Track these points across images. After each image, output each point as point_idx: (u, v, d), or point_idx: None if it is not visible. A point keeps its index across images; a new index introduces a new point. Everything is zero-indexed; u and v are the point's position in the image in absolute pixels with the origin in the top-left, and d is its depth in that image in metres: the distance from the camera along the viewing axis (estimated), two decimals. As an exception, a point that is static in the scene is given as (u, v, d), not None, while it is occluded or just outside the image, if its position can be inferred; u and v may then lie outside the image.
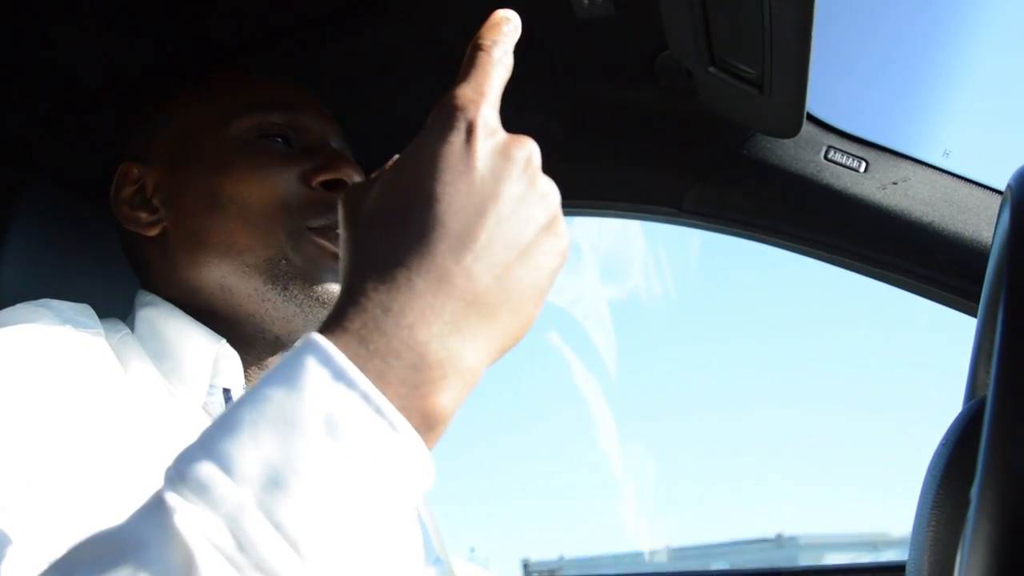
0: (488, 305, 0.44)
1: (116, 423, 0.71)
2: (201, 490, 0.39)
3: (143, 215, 0.87)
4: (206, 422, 0.80)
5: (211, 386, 0.81)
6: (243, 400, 0.41)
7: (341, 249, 0.47)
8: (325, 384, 0.41)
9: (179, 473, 0.40)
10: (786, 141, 1.04)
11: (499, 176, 0.46)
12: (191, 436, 0.77)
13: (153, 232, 0.86)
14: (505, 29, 0.52)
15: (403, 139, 1.31)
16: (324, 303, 0.83)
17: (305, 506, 0.38)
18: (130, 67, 1.04)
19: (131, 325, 0.84)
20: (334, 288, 0.84)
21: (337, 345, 0.42)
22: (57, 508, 0.61)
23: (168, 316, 0.83)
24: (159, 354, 0.81)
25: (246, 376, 0.85)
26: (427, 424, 0.42)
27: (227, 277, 0.83)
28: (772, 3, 0.74)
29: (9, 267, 1.01)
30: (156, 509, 0.39)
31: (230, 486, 0.39)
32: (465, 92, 0.48)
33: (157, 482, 0.69)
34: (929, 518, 0.49)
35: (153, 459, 0.72)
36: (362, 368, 0.41)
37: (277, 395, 0.41)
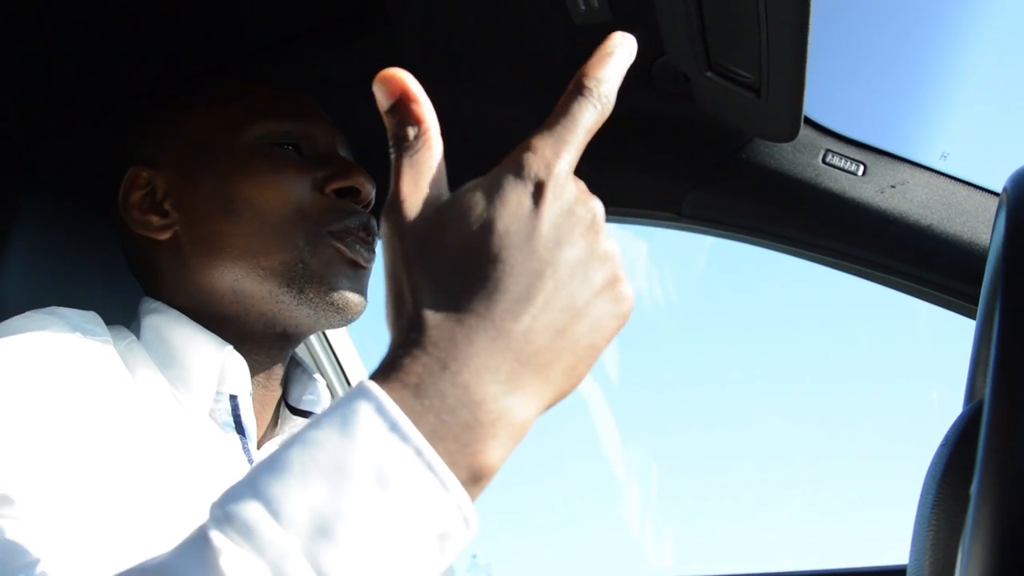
0: (542, 365, 0.44)
1: (124, 430, 0.71)
2: (247, 532, 0.39)
3: (154, 219, 0.87)
4: (213, 429, 0.80)
5: (218, 393, 0.82)
6: (294, 442, 0.41)
7: (389, 281, 0.47)
8: (379, 435, 0.41)
9: (225, 513, 0.40)
10: (784, 145, 1.04)
11: (562, 240, 0.45)
12: (197, 442, 0.78)
13: (164, 236, 0.87)
14: (613, 62, 0.49)
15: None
16: (338, 308, 0.84)
17: (350, 556, 0.39)
18: (132, 75, 1.05)
19: (136, 332, 0.84)
20: (349, 295, 0.85)
21: (392, 396, 0.41)
22: (67, 514, 0.61)
23: (174, 323, 0.83)
24: (165, 361, 0.81)
25: (253, 383, 0.86)
26: (473, 479, 0.42)
27: (240, 280, 0.84)
28: (768, 7, 0.74)
29: (11, 274, 1.01)
30: (201, 547, 0.39)
31: (277, 531, 0.39)
32: (543, 148, 0.46)
33: (164, 487, 0.70)
34: (929, 518, 0.49)
35: (160, 466, 0.72)
36: (416, 422, 0.41)
37: (330, 441, 0.40)
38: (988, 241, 0.97)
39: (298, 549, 0.38)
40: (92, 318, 0.80)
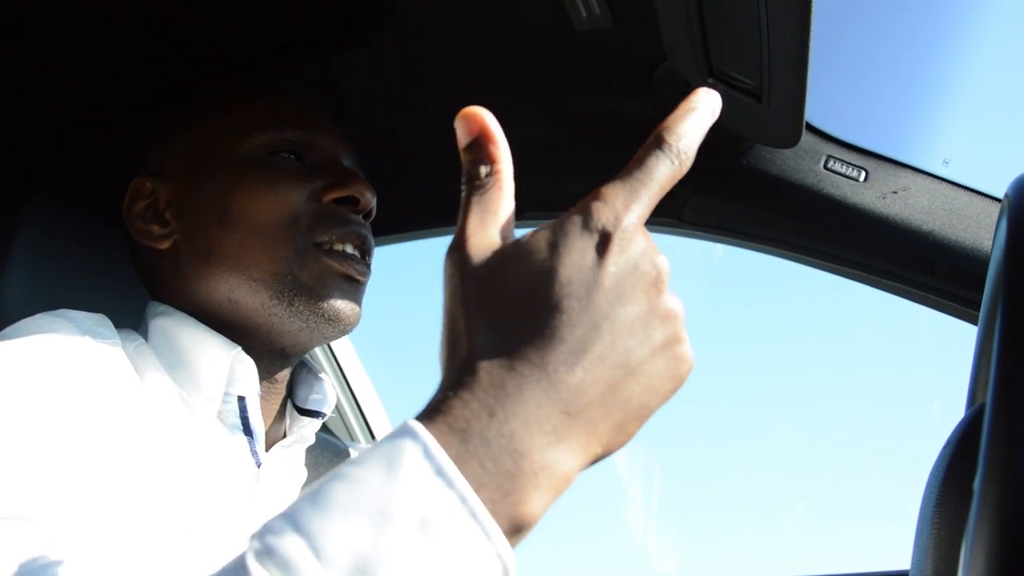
0: (591, 419, 0.43)
1: (133, 433, 0.72)
2: (287, 567, 0.39)
3: (155, 228, 0.88)
4: (220, 431, 0.81)
5: (226, 394, 0.82)
6: (337, 476, 0.41)
7: (446, 318, 0.46)
8: (424, 478, 0.40)
9: (265, 546, 0.40)
10: (786, 151, 1.04)
11: (623, 294, 0.44)
12: (206, 444, 0.78)
13: (164, 245, 0.88)
14: (694, 118, 0.48)
15: (408, 149, 1.32)
16: (329, 319, 0.84)
17: None
18: (137, 82, 1.05)
19: (144, 335, 0.85)
20: (339, 305, 0.84)
21: (438, 440, 0.41)
22: (79, 516, 0.62)
23: (182, 325, 0.84)
24: (173, 363, 0.82)
25: (259, 385, 0.86)
26: (514, 529, 0.42)
27: (234, 291, 0.84)
28: (769, 14, 0.74)
29: (14, 280, 1.02)
30: None
31: (316, 568, 0.38)
32: (614, 199, 0.46)
33: (172, 488, 0.70)
34: (932, 518, 0.49)
35: (169, 468, 0.73)
36: (460, 468, 0.41)
37: (374, 480, 0.40)
38: (990, 247, 0.97)
39: None
40: (102, 321, 0.81)
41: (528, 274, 0.44)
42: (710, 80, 0.89)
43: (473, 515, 0.40)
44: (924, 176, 1.02)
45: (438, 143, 1.20)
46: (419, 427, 0.41)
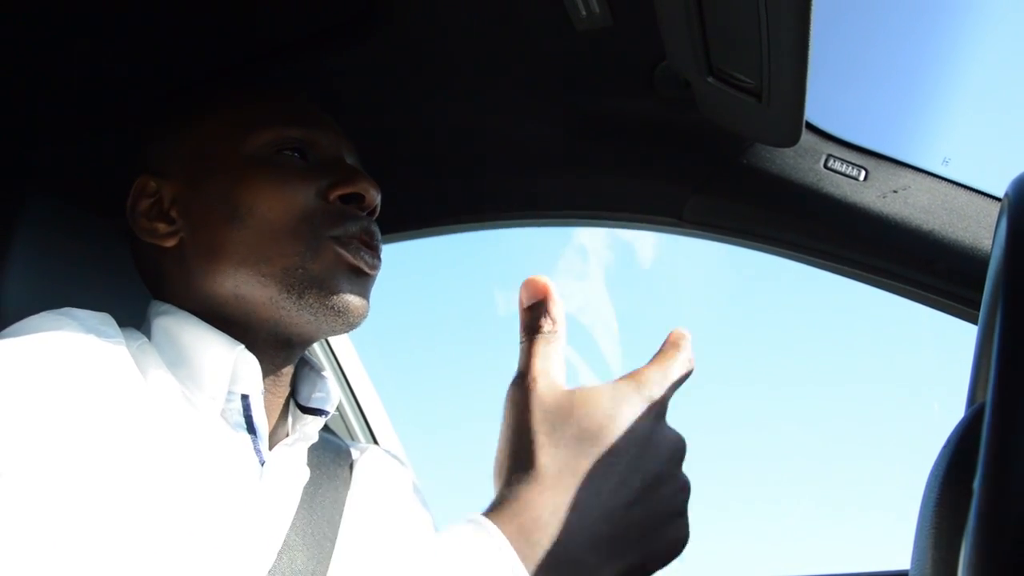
0: (627, 542, 0.53)
1: (137, 432, 0.72)
2: None
3: (161, 226, 0.88)
4: (224, 429, 0.81)
5: (229, 392, 0.82)
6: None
7: (512, 433, 0.56)
8: (495, 563, 0.50)
9: None
10: (785, 150, 1.04)
11: (660, 449, 0.56)
12: (209, 443, 0.79)
13: (170, 243, 0.88)
14: (689, 341, 0.61)
15: (407, 148, 1.32)
16: (339, 312, 0.84)
17: None
18: (136, 80, 1.05)
19: (147, 334, 0.85)
20: (349, 298, 0.85)
21: (507, 536, 0.51)
22: (81, 513, 0.62)
23: (184, 324, 0.84)
24: (176, 362, 0.82)
25: (263, 382, 0.86)
26: None
27: (241, 286, 0.84)
28: (769, 12, 0.74)
29: (14, 278, 1.02)
30: None
31: None
32: (656, 372, 0.58)
33: (176, 487, 0.72)
34: (932, 518, 0.49)
35: (172, 466, 0.73)
36: (525, 562, 0.51)
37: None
38: (990, 246, 0.97)
39: None
40: (105, 319, 0.81)
41: (594, 415, 0.54)
42: (710, 79, 0.89)
43: None
44: (924, 175, 1.02)
45: (437, 142, 1.20)
46: (491, 525, 0.52)
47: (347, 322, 0.86)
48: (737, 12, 0.77)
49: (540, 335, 0.58)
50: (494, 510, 0.52)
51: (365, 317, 0.88)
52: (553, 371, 0.57)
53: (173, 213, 0.88)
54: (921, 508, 0.53)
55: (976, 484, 0.35)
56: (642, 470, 0.54)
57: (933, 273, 0.99)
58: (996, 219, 0.80)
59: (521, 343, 0.59)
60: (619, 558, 0.52)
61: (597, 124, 1.11)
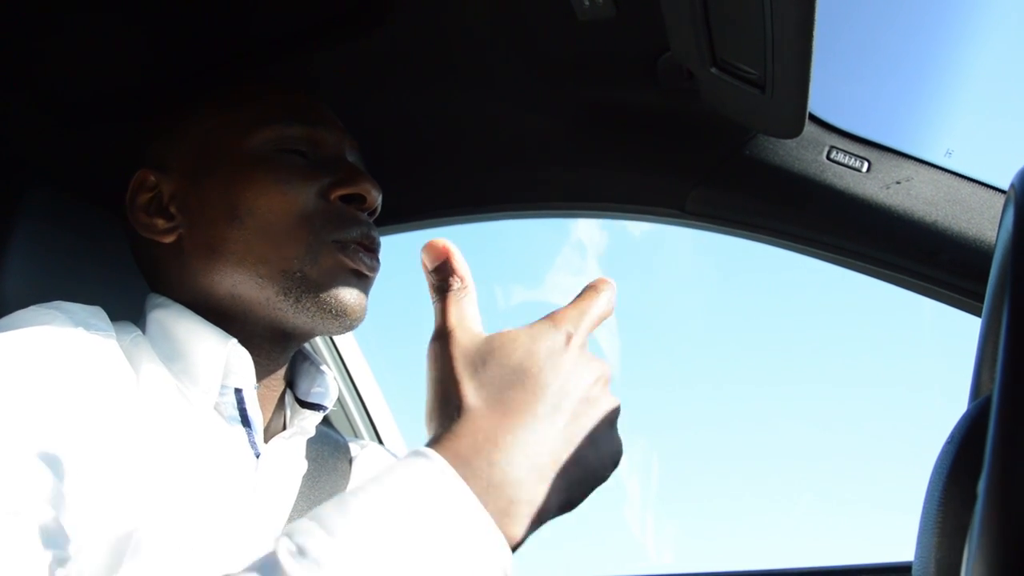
0: (564, 469, 0.54)
1: (128, 425, 0.71)
2: (317, 563, 0.45)
3: (159, 222, 0.88)
4: (218, 422, 0.81)
5: (223, 386, 0.82)
6: (358, 489, 0.50)
7: (437, 386, 0.57)
8: (435, 489, 0.50)
9: (298, 546, 0.46)
10: (788, 141, 1.04)
11: (582, 377, 0.57)
12: (203, 436, 0.79)
13: (168, 239, 0.87)
14: (612, 288, 0.63)
15: (408, 140, 1.32)
16: (336, 314, 0.84)
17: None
18: (136, 72, 1.05)
19: (142, 327, 0.85)
20: (347, 301, 0.85)
21: (448, 462, 0.51)
22: (71, 510, 0.61)
23: (179, 318, 0.84)
24: (170, 356, 0.82)
25: (256, 376, 0.86)
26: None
27: (238, 286, 0.84)
28: (773, 3, 0.74)
29: (14, 271, 1.01)
30: (271, 567, 0.46)
31: (342, 562, 0.46)
32: (573, 311, 0.60)
33: (170, 480, 0.72)
34: (936, 516, 0.49)
35: (166, 459, 0.73)
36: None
37: (391, 490, 0.49)
38: (993, 238, 0.97)
39: (353, 566, 0.45)
40: (96, 313, 0.81)
41: (512, 353, 0.57)
42: (713, 70, 0.89)
43: (479, 513, 0.50)
44: (927, 167, 1.02)
45: (438, 133, 1.19)
46: (431, 451, 0.52)
47: (345, 324, 0.86)
48: (741, 3, 0.77)
49: (451, 292, 0.61)
50: (430, 444, 0.53)
51: (363, 319, 0.88)
52: (469, 321, 0.60)
53: (172, 209, 0.88)
54: (924, 506, 0.52)
55: (980, 487, 0.34)
56: (570, 395, 0.56)
57: (936, 265, 0.99)
58: (1000, 210, 0.80)
59: (434, 303, 0.61)
60: (560, 477, 0.53)
61: (599, 115, 1.10)
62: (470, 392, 0.55)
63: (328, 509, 0.48)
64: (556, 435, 0.54)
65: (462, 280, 0.61)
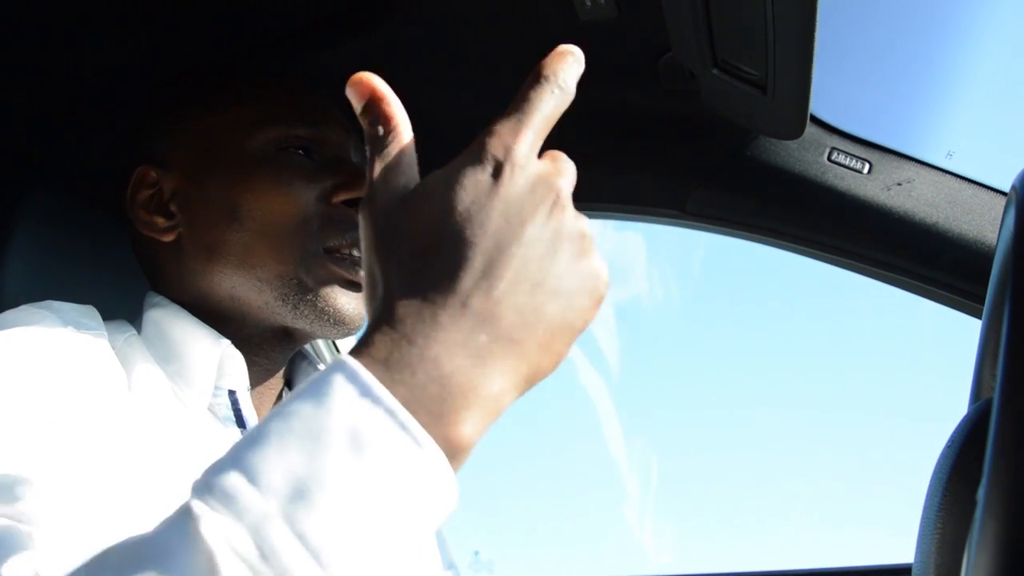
0: (514, 340, 0.45)
1: (119, 425, 0.71)
2: (227, 500, 0.40)
3: (159, 220, 0.87)
4: (212, 424, 0.80)
5: (216, 388, 0.82)
6: (272, 415, 0.43)
7: (365, 269, 0.49)
8: (352, 400, 0.42)
9: (206, 484, 0.41)
10: (789, 143, 1.04)
11: (524, 217, 0.46)
12: (196, 437, 0.78)
13: (168, 238, 0.86)
14: (569, 59, 0.51)
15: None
16: (335, 323, 0.84)
17: (329, 517, 0.39)
18: (135, 70, 1.05)
19: (138, 327, 0.84)
20: (344, 310, 0.84)
21: (364, 367, 0.43)
22: (63, 512, 0.61)
23: (174, 318, 0.83)
24: (164, 356, 0.81)
25: (253, 377, 0.86)
26: (450, 451, 0.43)
27: (237, 288, 0.84)
28: (775, 4, 0.74)
29: (13, 271, 1.01)
30: (182, 517, 0.40)
31: (255, 496, 0.40)
32: (504, 126, 0.48)
33: (163, 483, 0.70)
34: (935, 520, 0.49)
35: (159, 460, 0.72)
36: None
37: (304, 410, 0.42)
38: (994, 240, 0.97)
39: (277, 513, 0.39)
40: (87, 312, 0.80)
41: (429, 211, 0.46)
42: (715, 71, 0.89)
43: (403, 427, 0.41)
44: (928, 168, 1.02)
45: (439, 133, 1.19)
46: (346, 358, 0.43)
47: (343, 331, 0.85)
48: (743, 4, 0.77)
49: (376, 145, 0.50)
50: (352, 351, 0.45)
51: (362, 326, 0.87)
52: (393, 181, 0.49)
53: (172, 207, 0.87)
54: (924, 511, 0.52)
55: (980, 494, 0.34)
56: (507, 247, 0.45)
57: (937, 266, 0.99)
58: (1001, 212, 0.80)
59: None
60: (511, 351, 0.45)
61: (601, 116, 1.10)
62: (389, 272, 0.46)
63: (240, 443, 0.43)
64: (494, 305, 0.44)
65: (388, 124, 0.50)
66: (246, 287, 0.83)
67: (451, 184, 0.46)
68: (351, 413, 0.41)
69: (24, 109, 1.08)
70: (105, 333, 0.78)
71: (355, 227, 0.85)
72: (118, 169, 0.92)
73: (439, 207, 0.46)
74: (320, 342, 1.59)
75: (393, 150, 0.49)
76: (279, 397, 0.90)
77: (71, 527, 0.61)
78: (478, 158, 0.47)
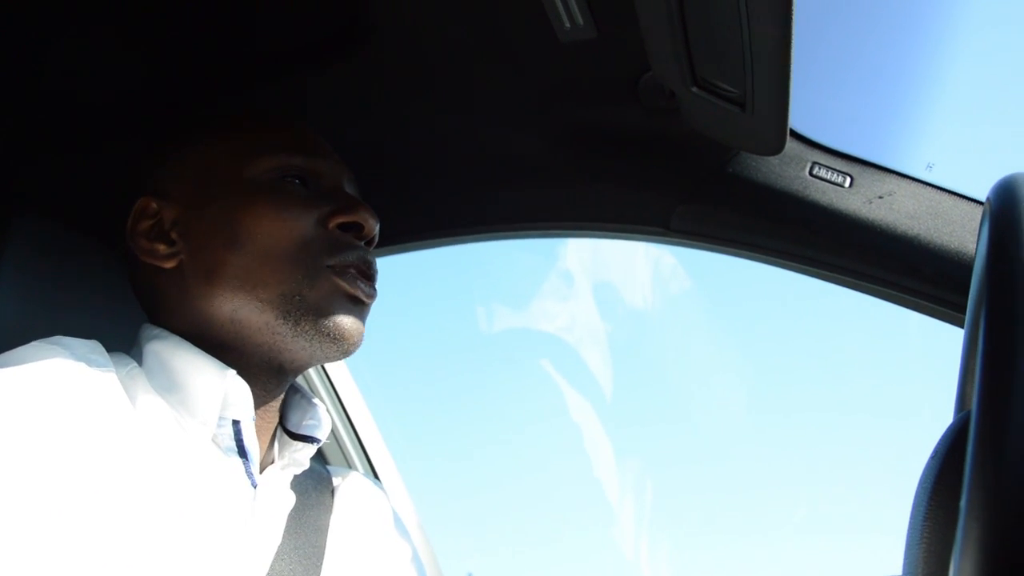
0: None
1: (129, 458, 0.72)
2: None
3: (161, 247, 0.88)
4: (215, 453, 0.81)
5: (220, 418, 0.82)
6: None
7: None
8: None
9: None
10: (771, 158, 1.05)
11: None
12: (201, 467, 0.79)
13: (169, 264, 0.87)
14: None
15: (393, 163, 1.32)
16: (334, 339, 0.84)
17: None
18: (125, 98, 1.05)
19: (138, 359, 0.85)
20: (344, 326, 0.85)
21: None
22: (73, 543, 0.62)
23: (176, 349, 0.84)
24: (167, 387, 0.82)
25: (255, 407, 0.86)
26: None
27: (238, 310, 0.84)
28: (752, 22, 0.74)
29: (2, 300, 1.01)
30: None
31: None
32: None
33: (168, 513, 0.71)
34: (922, 530, 0.49)
35: (165, 491, 0.73)
36: None
37: None
38: (975, 250, 0.97)
39: None
40: (95, 347, 0.81)
41: None
42: (694, 89, 0.89)
43: None
44: (908, 181, 1.03)
45: (421, 156, 1.20)
46: None
47: (342, 349, 0.86)
48: (720, 22, 0.78)
49: None
50: None
51: (360, 345, 0.88)
52: None
53: (173, 235, 0.88)
54: (910, 521, 0.52)
55: (962, 504, 0.34)
56: None
57: (919, 278, 0.99)
58: (979, 223, 0.81)
59: None
60: None
61: (582, 135, 1.11)
62: None
63: None
64: None
65: None
66: (247, 309, 0.84)
67: None
68: None
69: (11, 135, 1.08)
70: (112, 368, 0.80)
71: (351, 248, 0.87)
72: (105, 197, 0.93)
73: None
74: (312, 371, 1.59)
75: None
76: (275, 429, 0.91)
77: (80, 557, 0.62)
78: None
